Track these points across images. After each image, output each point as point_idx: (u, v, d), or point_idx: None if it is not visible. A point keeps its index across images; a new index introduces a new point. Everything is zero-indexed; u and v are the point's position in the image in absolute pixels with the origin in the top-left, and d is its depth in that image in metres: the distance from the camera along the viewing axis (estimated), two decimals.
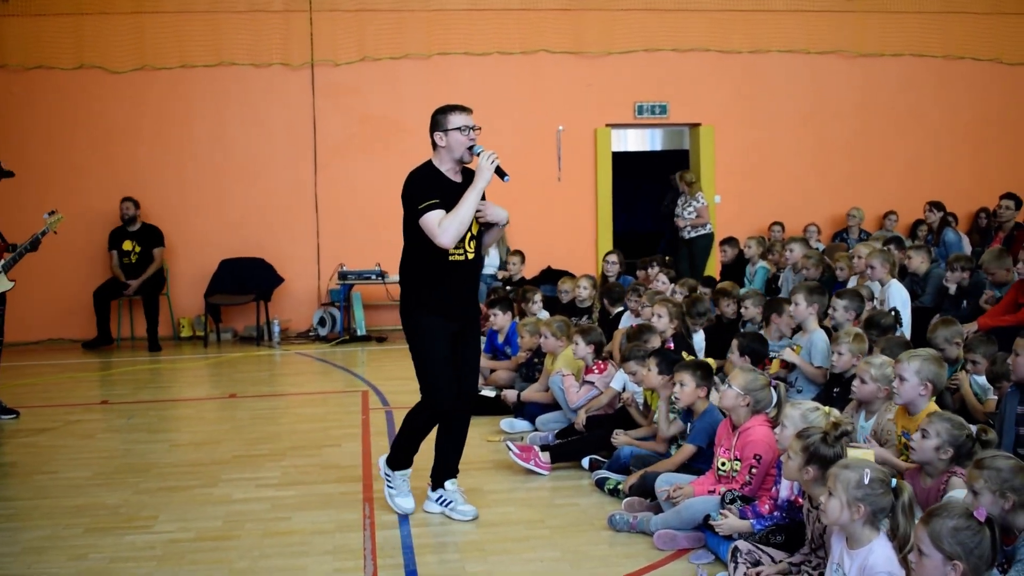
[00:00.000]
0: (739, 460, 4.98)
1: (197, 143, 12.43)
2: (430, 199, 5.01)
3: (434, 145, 5.19)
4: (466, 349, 5.34)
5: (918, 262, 8.49)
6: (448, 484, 5.44)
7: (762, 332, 7.16)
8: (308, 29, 12.45)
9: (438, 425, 5.39)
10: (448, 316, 5.20)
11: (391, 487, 5.50)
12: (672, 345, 6.70)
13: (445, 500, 5.42)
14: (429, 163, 5.21)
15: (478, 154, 5.12)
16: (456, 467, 5.50)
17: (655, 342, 6.66)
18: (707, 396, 5.63)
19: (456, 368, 5.25)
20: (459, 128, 5.10)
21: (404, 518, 5.36)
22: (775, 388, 5.13)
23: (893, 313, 6.87)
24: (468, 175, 5.22)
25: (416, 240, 5.12)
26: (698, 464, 5.44)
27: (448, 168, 5.17)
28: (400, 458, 5.43)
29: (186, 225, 12.39)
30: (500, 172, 5.08)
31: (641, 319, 7.99)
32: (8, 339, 8.53)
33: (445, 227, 4.96)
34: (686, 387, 5.61)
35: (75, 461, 6.73)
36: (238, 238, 12.41)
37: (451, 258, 5.12)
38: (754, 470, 4.89)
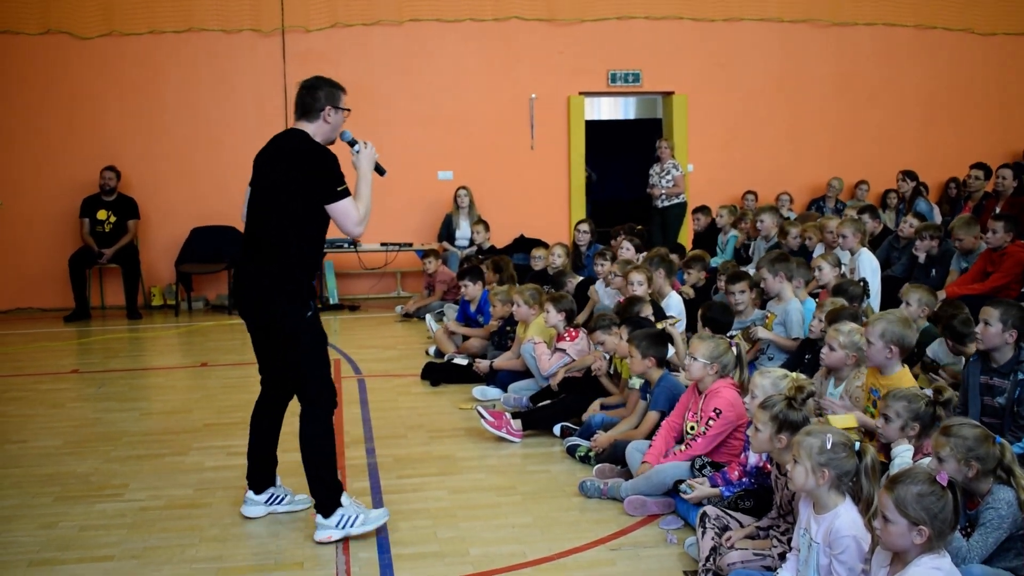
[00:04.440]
0: None
1: (167, 110, 12.26)
2: (344, 182, 4.53)
3: (312, 117, 4.67)
4: None
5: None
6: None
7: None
8: None
9: (258, 419, 4.95)
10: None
11: (350, 522, 4.63)
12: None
13: (277, 497, 4.96)
14: (308, 135, 4.68)
15: (351, 143, 4.76)
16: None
17: (647, 311, 6.67)
18: (658, 364, 5.66)
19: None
20: (348, 109, 4.76)
21: (376, 487, 5.37)
22: (734, 347, 5.18)
23: (862, 283, 6.92)
24: None
25: (310, 222, 4.57)
26: None
27: None
28: (335, 488, 4.64)
29: (157, 193, 12.25)
30: (380, 169, 4.83)
31: (612, 288, 8.00)
32: None
33: (364, 217, 4.57)
34: (634, 357, 5.65)
35: (45, 430, 6.69)
36: (209, 206, 12.27)
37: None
38: (711, 422, 4.94)
